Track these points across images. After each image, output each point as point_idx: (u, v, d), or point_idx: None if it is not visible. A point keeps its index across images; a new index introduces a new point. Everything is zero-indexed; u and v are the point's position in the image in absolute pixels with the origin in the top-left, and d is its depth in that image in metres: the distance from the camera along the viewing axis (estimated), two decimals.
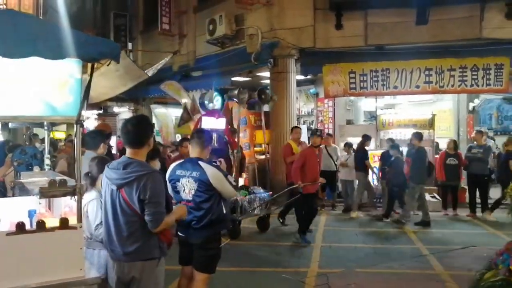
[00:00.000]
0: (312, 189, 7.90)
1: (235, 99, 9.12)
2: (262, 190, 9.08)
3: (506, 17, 10.76)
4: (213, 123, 9.29)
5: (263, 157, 12.17)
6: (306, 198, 7.83)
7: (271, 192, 9.12)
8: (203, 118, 9.21)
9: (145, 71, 6.79)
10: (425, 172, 9.80)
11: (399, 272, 6.37)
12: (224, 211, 4.23)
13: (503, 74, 11.08)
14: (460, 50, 11.23)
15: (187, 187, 4.14)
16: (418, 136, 9.79)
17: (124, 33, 18.39)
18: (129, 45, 18.65)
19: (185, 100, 13.71)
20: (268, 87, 12.28)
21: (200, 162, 4.14)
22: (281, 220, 9.43)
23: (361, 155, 10.82)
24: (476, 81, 11.17)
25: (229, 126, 10.31)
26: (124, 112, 21.15)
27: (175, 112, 17.85)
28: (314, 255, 7.22)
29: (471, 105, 14.94)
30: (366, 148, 11.07)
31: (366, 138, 11.11)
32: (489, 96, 15.14)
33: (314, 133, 8.26)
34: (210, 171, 4.08)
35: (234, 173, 9.50)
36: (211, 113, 9.78)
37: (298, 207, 8.12)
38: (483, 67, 11.10)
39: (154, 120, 17.58)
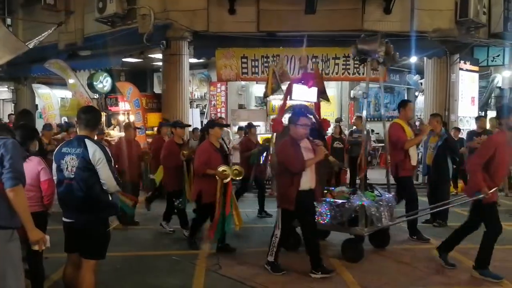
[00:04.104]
0: (496, 195, 5.40)
1: (376, 55, 6.25)
2: (385, 191, 6.72)
3: (384, 12, 11.70)
4: (305, 94, 6.75)
5: None
6: (490, 209, 5.31)
7: (393, 194, 6.74)
8: (294, 86, 6.64)
9: (26, 44, 6.32)
10: None
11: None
12: (110, 198, 4.08)
13: None
14: (344, 40, 11.96)
15: (70, 165, 3.97)
16: None
17: (1, 5, 16.81)
18: (8, 20, 17.14)
19: (72, 80, 13.03)
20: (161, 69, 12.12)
21: (85, 139, 3.99)
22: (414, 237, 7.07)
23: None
24: (358, 69, 12.03)
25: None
26: (3, 92, 19.58)
27: (60, 93, 16.90)
28: (206, 237, 7.14)
29: (352, 92, 16.11)
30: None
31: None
32: None
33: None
34: (93, 149, 3.93)
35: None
36: (303, 78, 6.98)
37: (472, 223, 5.55)
38: None
39: (37, 101, 16.52)
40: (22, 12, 16.73)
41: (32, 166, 4.21)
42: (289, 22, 11.57)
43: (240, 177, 6.40)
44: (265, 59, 12.01)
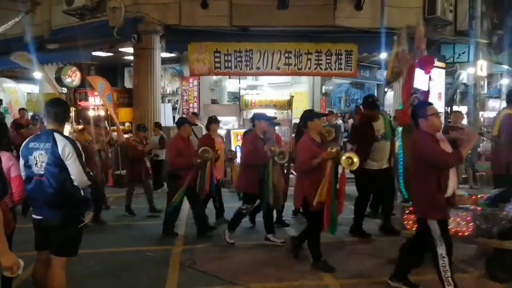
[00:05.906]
0: None
1: None
2: None
3: (355, 8, 11.87)
4: (419, 80, 5.97)
5: (127, 136, 11.79)
6: None
7: None
8: (417, 70, 5.75)
9: None
10: None
11: (264, 244, 6.55)
12: (82, 193, 3.99)
13: (352, 59, 12.25)
14: (316, 36, 12.08)
15: (39, 160, 3.86)
16: None
17: None
18: None
19: (41, 73, 12.71)
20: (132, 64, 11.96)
21: (54, 134, 3.89)
22: None
23: None
24: (330, 65, 12.17)
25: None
26: None
27: (26, 87, 16.45)
28: (179, 233, 7.20)
29: (324, 88, 16.28)
30: None
31: None
32: (339, 81, 16.63)
33: None
34: (62, 144, 3.82)
35: None
36: (424, 62, 5.88)
37: None
38: (336, 53, 12.15)
39: (1, 96, 16.03)
40: None
41: (3, 161, 4.10)
42: (261, 16, 11.61)
43: (355, 167, 5.45)
44: (238, 54, 11.99)
